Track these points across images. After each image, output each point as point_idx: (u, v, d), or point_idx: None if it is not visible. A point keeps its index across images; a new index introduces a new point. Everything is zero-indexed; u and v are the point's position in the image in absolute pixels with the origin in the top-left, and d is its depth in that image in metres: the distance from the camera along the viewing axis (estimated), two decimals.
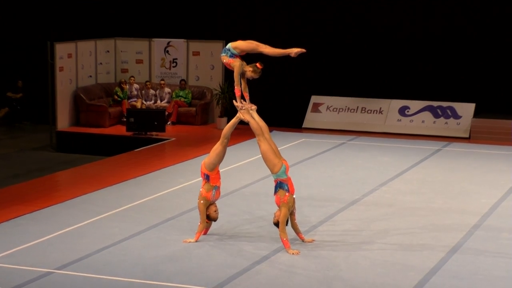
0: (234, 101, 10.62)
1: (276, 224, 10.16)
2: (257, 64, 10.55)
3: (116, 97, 20.82)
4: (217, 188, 10.55)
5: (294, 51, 10.43)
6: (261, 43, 10.60)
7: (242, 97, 10.61)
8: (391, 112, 20.05)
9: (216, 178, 10.54)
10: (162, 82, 21.20)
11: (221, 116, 20.27)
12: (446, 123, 19.52)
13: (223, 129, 10.66)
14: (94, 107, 20.16)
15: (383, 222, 11.51)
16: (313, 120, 20.45)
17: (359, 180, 14.19)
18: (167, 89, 21.19)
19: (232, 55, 10.53)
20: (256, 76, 10.58)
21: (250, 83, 10.71)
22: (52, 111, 19.77)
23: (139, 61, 21.86)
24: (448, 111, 19.65)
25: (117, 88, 20.93)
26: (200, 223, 10.51)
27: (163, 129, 19.06)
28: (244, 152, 16.40)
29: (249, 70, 10.55)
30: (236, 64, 10.51)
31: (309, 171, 14.86)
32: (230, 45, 10.58)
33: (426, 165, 15.54)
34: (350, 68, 20.70)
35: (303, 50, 10.43)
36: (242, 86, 10.59)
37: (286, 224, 10.11)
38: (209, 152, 10.67)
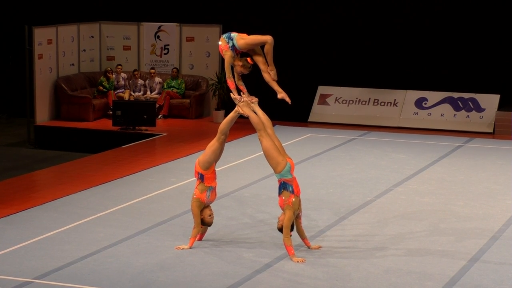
0: (231, 94, 10.59)
1: (281, 229, 10.16)
2: (248, 59, 10.55)
3: (101, 87, 20.84)
4: (212, 189, 10.57)
5: (283, 94, 10.49)
6: (267, 61, 10.49)
7: (238, 89, 10.60)
8: (406, 105, 20.07)
9: (211, 178, 10.55)
10: (152, 71, 21.22)
11: (217, 109, 20.29)
12: (468, 116, 19.55)
13: (219, 123, 10.68)
14: (77, 98, 20.18)
15: (397, 227, 11.54)
16: (320, 113, 20.48)
17: (371, 180, 14.22)
18: (157, 79, 21.22)
19: (232, 47, 10.49)
20: (246, 71, 10.58)
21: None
22: (30, 103, 19.78)
23: (126, 48, 21.88)
24: (470, 103, 19.67)
25: (102, 78, 20.95)
26: (194, 228, 10.53)
27: (153, 123, 19.08)
28: (244, 148, 16.43)
29: (238, 64, 10.54)
30: (227, 54, 10.48)
31: (316, 170, 14.89)
32: (235, 38, 10.49)
33: (445, 163, 15.56)
34: (361, 55, 20.71)
35: (289, 102, 10.45)
36: (235, 78, 10.58)
37: (292, 229, 10.13)
38: (204, 149, 10.70)
